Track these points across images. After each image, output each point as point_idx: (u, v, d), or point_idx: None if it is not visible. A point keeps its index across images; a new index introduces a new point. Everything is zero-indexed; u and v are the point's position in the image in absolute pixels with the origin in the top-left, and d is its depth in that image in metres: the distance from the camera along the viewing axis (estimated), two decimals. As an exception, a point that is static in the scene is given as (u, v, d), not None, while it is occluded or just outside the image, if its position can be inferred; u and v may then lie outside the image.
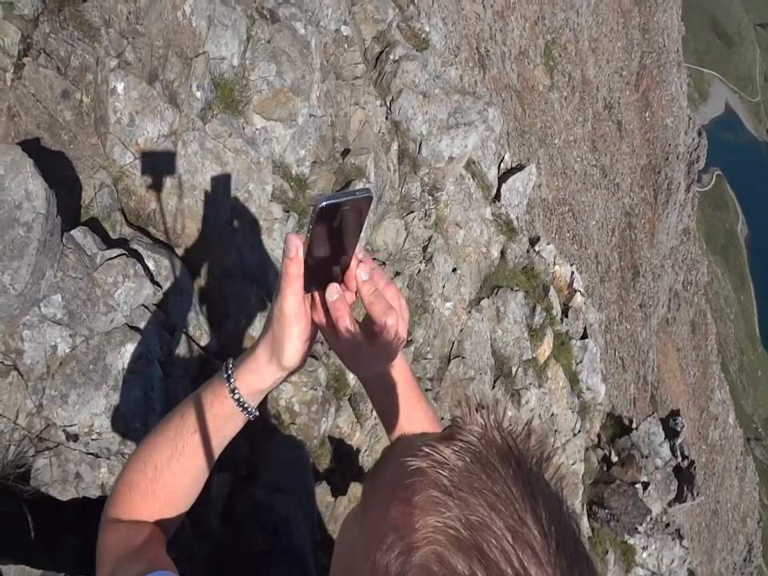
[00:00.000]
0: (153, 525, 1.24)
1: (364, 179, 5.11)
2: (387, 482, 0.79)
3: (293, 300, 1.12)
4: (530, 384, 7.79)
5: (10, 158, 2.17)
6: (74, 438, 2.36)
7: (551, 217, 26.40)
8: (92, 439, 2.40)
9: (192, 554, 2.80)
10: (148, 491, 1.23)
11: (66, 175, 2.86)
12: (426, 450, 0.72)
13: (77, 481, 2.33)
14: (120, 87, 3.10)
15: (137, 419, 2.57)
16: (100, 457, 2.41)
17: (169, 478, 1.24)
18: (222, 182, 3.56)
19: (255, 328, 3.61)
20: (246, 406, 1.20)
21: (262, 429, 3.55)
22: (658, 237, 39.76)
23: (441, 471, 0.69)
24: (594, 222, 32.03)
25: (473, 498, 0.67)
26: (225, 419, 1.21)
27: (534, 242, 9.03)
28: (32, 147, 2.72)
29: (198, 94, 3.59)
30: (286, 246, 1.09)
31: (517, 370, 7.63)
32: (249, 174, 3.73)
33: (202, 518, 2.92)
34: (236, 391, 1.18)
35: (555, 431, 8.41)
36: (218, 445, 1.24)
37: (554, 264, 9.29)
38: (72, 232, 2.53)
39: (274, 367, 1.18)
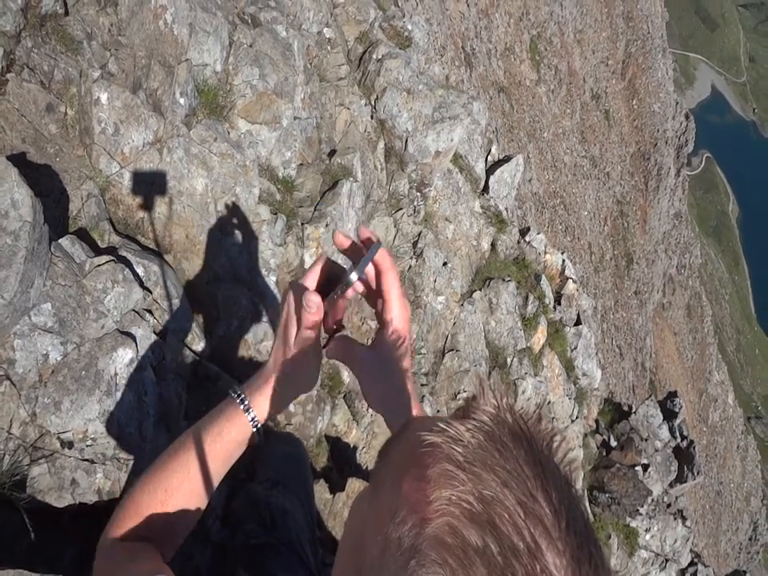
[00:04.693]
0: (155, 545, 1.28)
1: (351, 179, 5.15)
2: (400, 459, 0.81)
3: (314, 336, 1.26)
4: (526, 373, 7.84)
5: (-5, 170, 2.21)
6: (69, 444, 2.39)
7: (543, 210, 26.48)
8: (87, 445, 2.44)
9: (192, 555, 2.84)
10: (156, 513, 1.27)
11: (53, 187, 2.89)
12: (441, 425, 0.74)
13: (73, 487, 2.36)
14: (104, 97, 3.13)
15: (131, 423, 2.60)
16: (95, 462, 2.45)
17: (178, 501, 1.29)
18: (208, 187, 3.60)
19: (246, 331, 3.65)
20: (259, 430, 1.30)
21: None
22: (651, 223, 39.90)
23: (455, 447, 0.71)
24: (585, 213, 32.13)
25: (486, 474, 0.68)
26: (240, 444, 1.30)
27: (524, 232, 9.08)
28: (18, 162, 2.75)
29: (182, 101, 3.63)
30: (307, 306, 1.21)
31: (512, 360, 7.68)
32: (235, 178, 3.77)
33: (202, 525, 2.95)
34: (255, 419, 1.27)
35: (553, 419, 8.47)
36: (227, 468, 1.33)
37: (545, 253, 9.34)
38: (60, 240, 2.57)
39: (292, 396, 1.33)
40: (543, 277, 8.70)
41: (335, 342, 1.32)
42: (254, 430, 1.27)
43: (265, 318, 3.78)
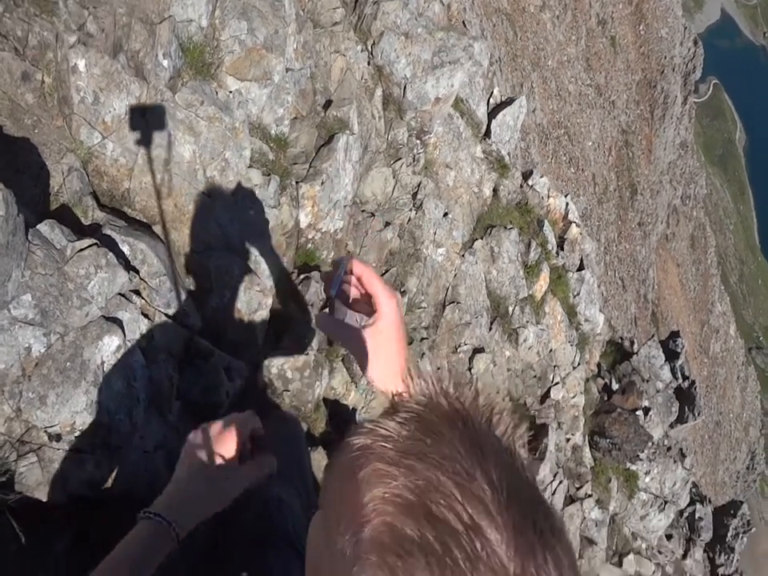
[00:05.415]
0: None
1: (347, 131, 4.98)
2: (338, 469, 0.79)
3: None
4: (528, 322, 7.78)
5: (-35, 159, 2.09)
6: (57, 437, 2.34)
7: (547, 141, 26.06)
8: (75, 436, 2.38)
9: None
10: None
11: (32, 162, 2.76)
12: (369, 426, 0.73)
13: (62, 480, 2.32)
14: (81, 64, 2.97)
15: (121, 411, 2.55)
16: (85, 453, 2.40)
17: None
18: (196, 153, 3.46)
19: (240, 301, 3.56)
20: (178, 538, 1.40)
21: (256, 405, 3.54)
22: (656, 153, 39.35)
23: (385, 444, 0.70)
24: (590, 143, 31.64)
25: (419, 464, 0.67)
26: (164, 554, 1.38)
27: (526, 176, 8.90)
28: (-7, 137, 2.62)
29: (165, 63, 3.45)
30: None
31: (513, 309, 7.61)
32: (224, 142, 3.62)
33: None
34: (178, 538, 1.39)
35: (554, 366, 8.45)
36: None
37: (548, 197, 9.18)
38: (38, 227, 2.45)
39: (208, 513, 1.50)
40: (546, 222, 8.56)
41: (328, 318, 1.43)
42: (179, 544, 1.38)
43: (259, 287, 3.69)
